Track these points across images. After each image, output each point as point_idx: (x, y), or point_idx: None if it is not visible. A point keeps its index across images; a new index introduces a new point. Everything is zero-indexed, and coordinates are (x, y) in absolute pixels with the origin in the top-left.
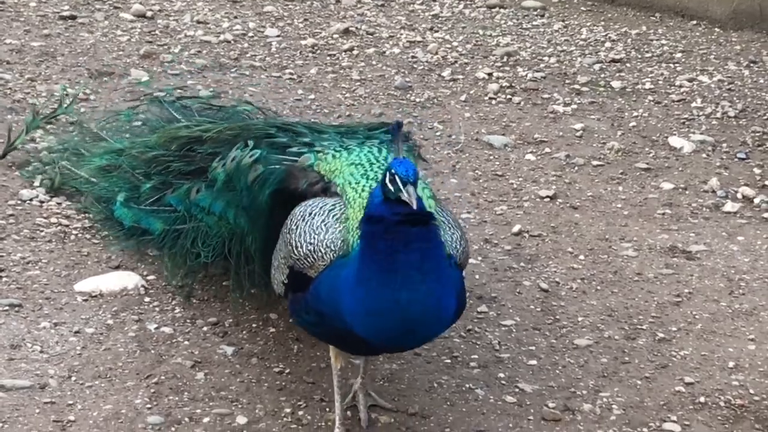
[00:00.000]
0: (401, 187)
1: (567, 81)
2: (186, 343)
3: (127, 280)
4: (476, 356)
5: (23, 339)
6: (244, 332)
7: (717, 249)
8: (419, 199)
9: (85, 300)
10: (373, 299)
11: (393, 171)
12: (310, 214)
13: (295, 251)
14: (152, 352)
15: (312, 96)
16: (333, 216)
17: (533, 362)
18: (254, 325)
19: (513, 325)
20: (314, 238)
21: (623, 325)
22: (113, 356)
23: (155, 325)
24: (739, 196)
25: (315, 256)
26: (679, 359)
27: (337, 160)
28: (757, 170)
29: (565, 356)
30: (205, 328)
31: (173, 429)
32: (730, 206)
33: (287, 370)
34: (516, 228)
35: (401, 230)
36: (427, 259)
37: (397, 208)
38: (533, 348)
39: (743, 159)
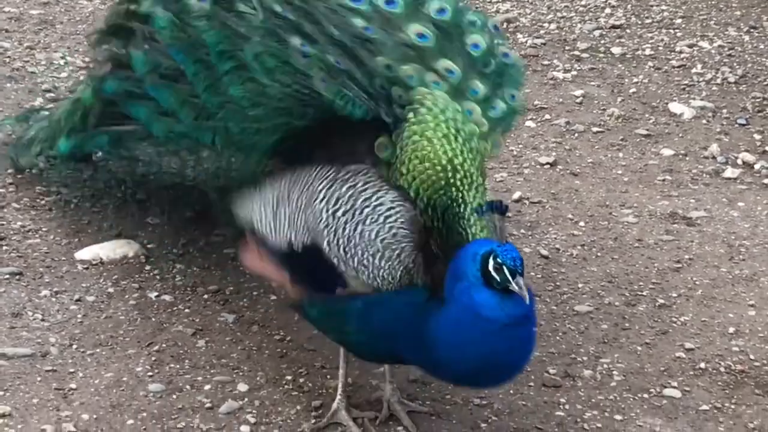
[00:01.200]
0: (510, 278)
1: (567, 47)
2: (187, 310)
3: (127, 248)
4: None
5: (24, 307)
6: (244, 300)
7: (717, 215)
8: (528, 289)
9: (86, 268)
10: (457, 362)
11: (500, 261)
12: (361, 212)
13: (343, 251)
14: (153, 320)
15: None
16: (391, 232)
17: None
18: (255, 293)
19: None
20: (369, 261)
21: (623, 291)
22: (114, 324)
23: (156, 293)
24: (739, 162)
25: (371, 282)
26: (680, 325)
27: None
28: (757, 136)
29: (565, 323)
30: (205, 296)
31: (174, 396)
32: (730, 172)
33: (288, 338)
34: (516, 195)
35: (507, 332)
36: (525, 354)
37: (510, 309)
38: None
39: (743, 125)
